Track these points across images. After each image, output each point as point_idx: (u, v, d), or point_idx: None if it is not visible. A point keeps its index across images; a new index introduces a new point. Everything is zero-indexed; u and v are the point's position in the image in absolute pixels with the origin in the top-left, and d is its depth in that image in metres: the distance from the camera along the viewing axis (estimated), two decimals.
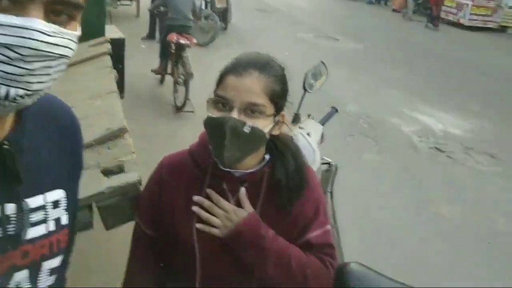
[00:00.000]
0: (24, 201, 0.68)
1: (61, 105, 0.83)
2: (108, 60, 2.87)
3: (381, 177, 4.55)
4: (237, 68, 1.12)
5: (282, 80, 1.16)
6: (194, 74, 5.53)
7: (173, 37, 5.91)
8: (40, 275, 0.72)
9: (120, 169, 1.59)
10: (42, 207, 0.72)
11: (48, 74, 0.59)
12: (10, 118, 0.67)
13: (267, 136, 1.14)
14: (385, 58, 9.74)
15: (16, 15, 0.54)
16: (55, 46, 0.57)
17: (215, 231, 1.17)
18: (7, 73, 0.54)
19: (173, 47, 5.99)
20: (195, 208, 1.18)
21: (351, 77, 7.91)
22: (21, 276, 0.68)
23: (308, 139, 2.00)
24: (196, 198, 1.19)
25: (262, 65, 1.13)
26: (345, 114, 6.00)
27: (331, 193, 2.17)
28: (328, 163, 2.22)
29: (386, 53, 10.27)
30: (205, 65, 7.08)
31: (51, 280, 0.75)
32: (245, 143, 1.10)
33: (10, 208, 0.66)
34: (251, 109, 1.09)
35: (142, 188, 1.42)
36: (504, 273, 3.26)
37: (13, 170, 0.65)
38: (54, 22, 0.58)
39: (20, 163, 0.66)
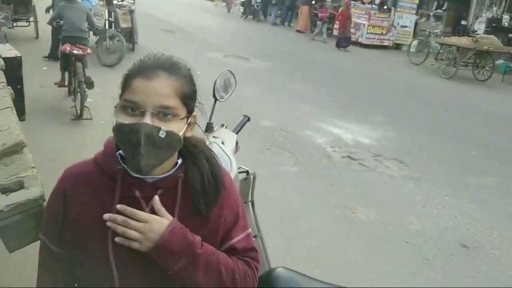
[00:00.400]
0: None
1: None
2: (1, 77, 2.64)
3: (299, 186, 4.64)
4: (144, 70, 1.06)
5: (190, 80, 1.14)
6: (99, 91, 5.76)
7: (66, 47, 6.12)
8: None
9: (20, 186, 1.45)
10: None
11: None
12: None
13: (182, 139, 1.11)
14: (294, 76, 10.11)
15: None
16: None
17: (135, 245, 1.06)
18: None
19: (69, 57, 6.14)
20: (109, 224, 1.07)
21: (263, 94, 8.08)
22: None
23: (223, 147, 1.97)
24: (106, 216, 1.07)
25: (170, 66, 1.09)
26: (261, 129, 6.09)
27: (252, 202, 2.14)
28: (246, 172, 2.19)
29: (294, 71, 10.66)
30: (114, 86, 6.87)
31: None
32: (162, 149, 1.05)
33: None
34: (163, 113, 1.04)
35: (45, 203, 1.29)
36: (421, 271, 3.43)
37: None
38: None
39: None
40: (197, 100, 1.18)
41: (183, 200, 1.13)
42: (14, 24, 10.14)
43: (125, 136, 1.04)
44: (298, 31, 18.56)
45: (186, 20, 17.53)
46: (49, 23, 7.27)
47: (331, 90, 9.19)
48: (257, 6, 21.66)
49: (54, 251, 1.17)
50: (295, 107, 7.55)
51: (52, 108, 6.22)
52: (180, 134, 1.08)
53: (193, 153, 1.18)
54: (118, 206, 1.07)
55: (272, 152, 5.48)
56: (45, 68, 8.02)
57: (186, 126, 1.11)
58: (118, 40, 8.82)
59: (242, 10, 22.49)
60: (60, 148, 4.75)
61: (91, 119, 5.69)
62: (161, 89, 1.04)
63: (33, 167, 1.56)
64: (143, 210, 1.09)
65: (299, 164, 5.21)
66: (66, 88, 6.63)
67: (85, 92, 5.69)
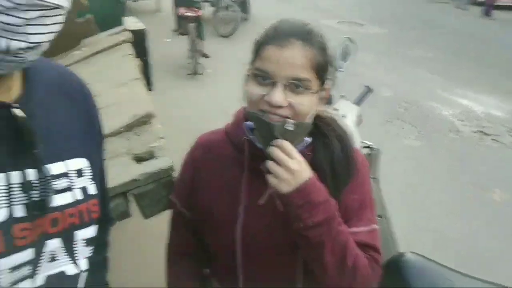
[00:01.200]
0: (44, 167, 0.67)
1: (68, 72, 0.82)
2: (129, 48, 2.79)
3: (425, 163, 4.30)
4: (277, 37, 0.99)
5: (325, 50, 1.03)
6: (216, 61, 6.34)
7: (180, 10, 6.94)
8: (74, 245, 0.73)
9: (151, 155, 1.53)
10: (64, 175, 0.72)
11: (46, 25, 0.59)
12: (17, 81, 0.67)
13: (312, 116, 1.04)
14: (414, 41, 9.38)
15: None
16: None
17: (282, 185, 0.95)
18: (4, 23, 0.55)
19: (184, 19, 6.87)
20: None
21: (379, 61, 7.61)
22: (54, 244, 0.69)
23: (345, 121, 1.83)
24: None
25: (305, 34, 1.00)
26: (380, 99, 5.74)
27: (377, 179, 1.99)
28: (369, 147, 2.03)
29: (413, 36, 9.90)
30: (228, 56, 7.08)
31: (87, 251, 0.76)
32: (292, 136, 0.98)
33: (31, 174, 0.65)
34: (296, 85, 0.97)
35: (174, 174, 1.36)
36: None
37: (27, 134, 0.64)
38: None
39: (33, 127, 0.65)
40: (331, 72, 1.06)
41: None
42: None
43: (257, 124, 0.99)
44: None
45: None
46: None
47: (457, 57, 8.35)
48: None
49: (184, 213, 1.21)
50: (416, 76, 7.02)
51: (174, 69, 6.62)
52: (312, 110, 1.01)
53: (324, 131, 1.09)
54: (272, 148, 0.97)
55: (393, 124, 5.15)
56: (169, 40, 8.39)
57: (318, 100, 1.03)
58: (232, 11, 8.92)
59: None
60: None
61: (202, 73, 6.49)
62: (294, 59, 0.96)
63: (162, 137, 1.63)
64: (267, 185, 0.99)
65: (423, 138, 4.83)
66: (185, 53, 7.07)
67: (197, 51, 6.54)
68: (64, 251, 0.71)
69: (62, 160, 0.72)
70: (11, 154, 0.64)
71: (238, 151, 1.10)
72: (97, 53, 2.74)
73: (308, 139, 1.06)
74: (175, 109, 5.09)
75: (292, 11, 12.06)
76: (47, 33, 0.60)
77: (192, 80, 6.32)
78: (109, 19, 3.27)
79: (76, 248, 0.73)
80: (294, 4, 13.50)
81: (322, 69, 1.01)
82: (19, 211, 0.64)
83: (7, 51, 0.57)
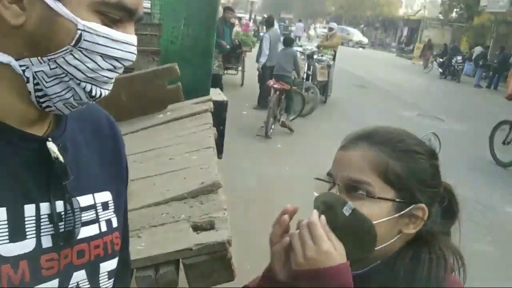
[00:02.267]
0: (73, 198, 0.69)
1: (97, 108, 0.85)
2: (209, 117, 2.93)
3: (496, 271, 3.93)
4: (346, 140, 0.96)
5: (407, 156, 0.90)
6: (293, 139, 6.62)
7: (270, 82, 7.86)
8: (98, 277, 0.74)
9: (210, 226, 1.52)
10: (92, 207, 0.75)
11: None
12: (50, 116, 0.71)
13: (385, 230, 0.86)
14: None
15: (121, 30, 0.64)
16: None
17: (298, 256, 0.83)
18: (109, 78, 0.66)
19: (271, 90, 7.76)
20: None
21: (458, 159, 7.31)
22: (80, 276, 0.71)
23: None
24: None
25: (377, 136, 0.92)
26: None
27: None
28: None
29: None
30: (304, 133, 7.19)
31: (110, 283, 0.77)
32: (344, 229, 0.85)
33: (60, 206, 0.68)
34: (353, 187, 0.88)
35: (231, 248, 1.34)
36: None
37: (58, 167, 0.67)
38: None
39: (64, 160, 0.68)
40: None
41: None
42: (225, 72, 11.46)
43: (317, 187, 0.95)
44: (509, 97, 16.43)
45: (381, 77, 17.40)
46: (260, 67, 9.22)
47: None
48: (458, 66, 20.29)
49: None
50: (498, 179, 6.61)
51: (247, 140, 6.73)
52: (375, 220, 0.85)
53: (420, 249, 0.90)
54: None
55: (463, 224, 4.81)
56: (245, 112, 8.74)
57: (394, 214, 0.87)
58: (312, 92, 9.24)
59: (440, 70, 21.34)
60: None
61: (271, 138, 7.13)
62: (352, 159, 0.90)
63: (225, 209, 1.62)
64: None
65: (496, 244, 4.47)
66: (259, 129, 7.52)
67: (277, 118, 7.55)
68: (88, 283, 0.72)
69: (90, 192, 0.75)
70: (42, 185, 0.67)
71: None
72: (178, 118, 2.91)
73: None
74: (241, 177, 5.18)
75: (372, 99, 12.15)
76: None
77: (262, 153, 6.48)
78: (198, 86, 3.50)
79: (99, 280, 0.74)
80: (374, 93, 13.62)
81: (395, 175, 0.87)
82: (47, 242, 0.66)
83: (93, 97, 0.65)
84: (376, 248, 0.87)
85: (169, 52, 3.52)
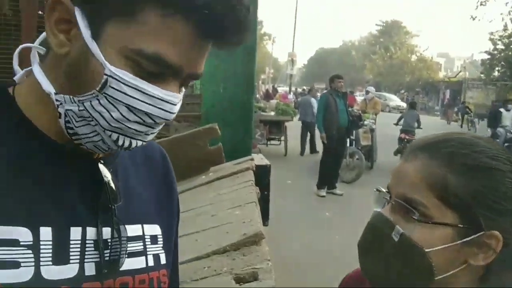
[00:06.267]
0: (121, 226, 0.65)
1: (151, 141, 0.82)
2: (250, 175, 2.91)
3: None
4: (408, 149, 0.82)
5: (476, 172, 0.74)
6: (335, 204, 6.84)
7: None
8: None
9: (254, 277, 1.46)
10: (140, 238, 0.70)
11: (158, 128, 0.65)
12: None
13: (444, 260, 0.73)
14: None
15: (159, 85, 0.59)
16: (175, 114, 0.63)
17: None
18: (138, 131, 0.61)
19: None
20: None
21: None
22: None
23: None
24: None
25: (444, 146, 0.76)
26: None
27: None
28: None
29: None
30: (348, 202, 6.99)
31: None
32: (391, 257, 0.75)
33: (107, 233, 0.64)
34: (404, 207, 0.75)
35: None
36: None
37: (110, 191, 0.64)
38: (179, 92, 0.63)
39: (116, 184, 0.66)
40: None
41: None
42: (268, 143, 11.57)
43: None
44: None
45: None
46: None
47: None
48: None
49: None
50: None
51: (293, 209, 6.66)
52: (429, 247, 0.72)
53: None
54: None
55: None
56: (289, 181, 8.63)
57: (455, 241, 0.73)
58: (357, 158, 9.06)
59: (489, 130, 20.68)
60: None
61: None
62: (407, 175, 0.76)
63: (269, 260, 1.56)
64: None
65: None
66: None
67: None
68: None
69: (140, 223, 0.71)
70: (90, 208, 0.64)
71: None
72: (221, 178, 2.90)
73: None
74: (287, 248, 5.00)
75: None
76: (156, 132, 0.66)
77: (310, 220, 6.30)
78: (239, 147, 3.52)
79: None
80: None
81: (455, 195, 0.72)
82: (90, 269, 0.62)
83: (123, 147, 0.62)
84: (436, 278, 0.74)
85: (210, 115, 3.59)
